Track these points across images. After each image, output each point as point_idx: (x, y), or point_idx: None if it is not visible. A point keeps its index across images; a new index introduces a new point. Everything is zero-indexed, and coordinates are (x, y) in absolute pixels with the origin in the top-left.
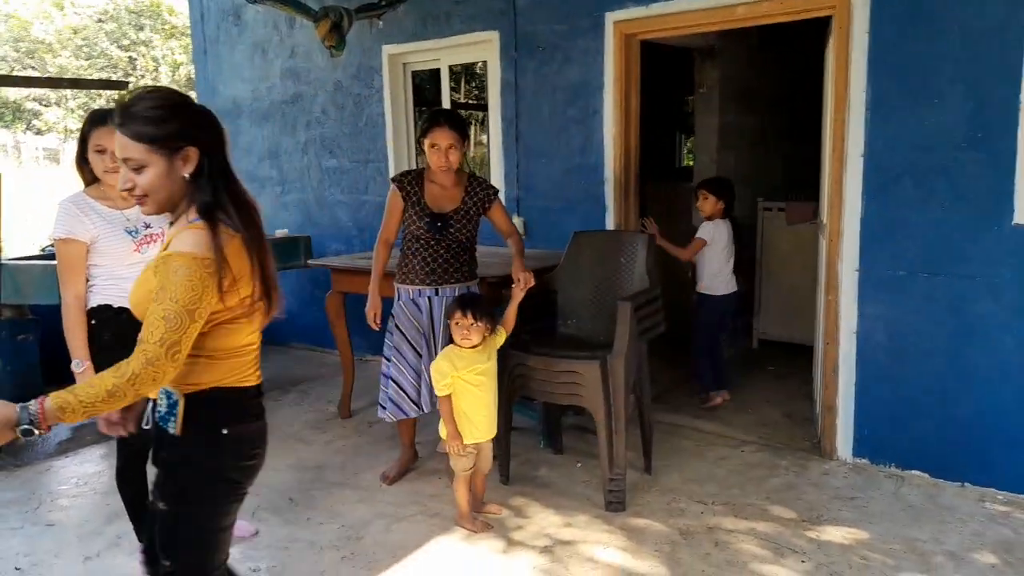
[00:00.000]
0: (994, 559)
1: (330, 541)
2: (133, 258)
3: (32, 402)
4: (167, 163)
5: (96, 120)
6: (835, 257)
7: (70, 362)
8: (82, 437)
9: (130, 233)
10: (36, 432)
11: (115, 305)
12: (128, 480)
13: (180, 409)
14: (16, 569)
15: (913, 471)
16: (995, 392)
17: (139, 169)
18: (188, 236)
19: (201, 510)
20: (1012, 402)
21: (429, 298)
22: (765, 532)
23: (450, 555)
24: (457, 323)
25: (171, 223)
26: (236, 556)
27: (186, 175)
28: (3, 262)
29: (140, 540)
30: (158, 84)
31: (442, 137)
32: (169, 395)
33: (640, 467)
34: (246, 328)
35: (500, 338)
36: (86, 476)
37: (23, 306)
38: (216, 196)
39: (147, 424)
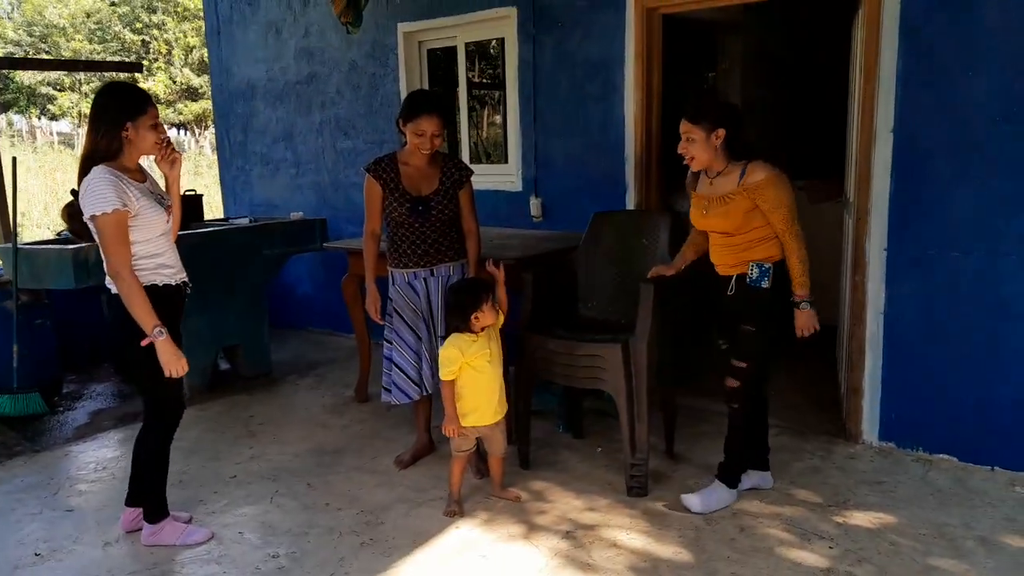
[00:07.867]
0: None
1: (349, 527)
2: (162, 228)
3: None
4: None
5: (151, 99)
6: (862, 236)
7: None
8: (100, 422)
9: (159, 203)
10: None
11: (160, 284)
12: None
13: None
14: (36, 555)
15: (941, 455)
16: None
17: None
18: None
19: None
20: None
21: (425, 279)
22: (791, 517)
23: (471, 540)
24: (484, 312)
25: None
26: (255, 542)
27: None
28: (19, 247)
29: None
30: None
31: (430, 125)
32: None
33: (662, 451)
34: None
35: (499, 320)
36: (104, 461)
37: (40, 291)
38: None
39: (731, 291)
